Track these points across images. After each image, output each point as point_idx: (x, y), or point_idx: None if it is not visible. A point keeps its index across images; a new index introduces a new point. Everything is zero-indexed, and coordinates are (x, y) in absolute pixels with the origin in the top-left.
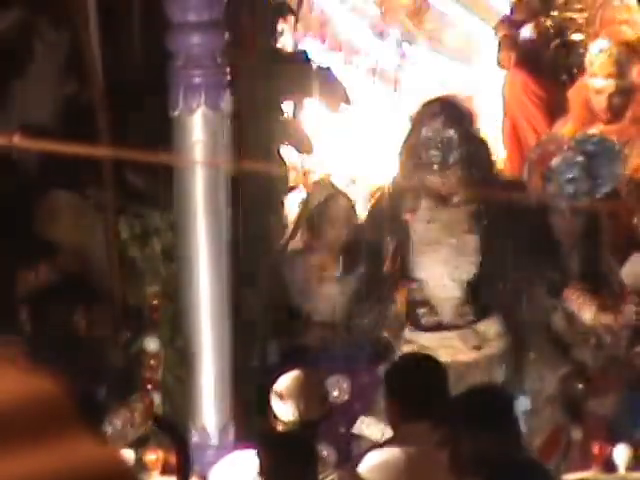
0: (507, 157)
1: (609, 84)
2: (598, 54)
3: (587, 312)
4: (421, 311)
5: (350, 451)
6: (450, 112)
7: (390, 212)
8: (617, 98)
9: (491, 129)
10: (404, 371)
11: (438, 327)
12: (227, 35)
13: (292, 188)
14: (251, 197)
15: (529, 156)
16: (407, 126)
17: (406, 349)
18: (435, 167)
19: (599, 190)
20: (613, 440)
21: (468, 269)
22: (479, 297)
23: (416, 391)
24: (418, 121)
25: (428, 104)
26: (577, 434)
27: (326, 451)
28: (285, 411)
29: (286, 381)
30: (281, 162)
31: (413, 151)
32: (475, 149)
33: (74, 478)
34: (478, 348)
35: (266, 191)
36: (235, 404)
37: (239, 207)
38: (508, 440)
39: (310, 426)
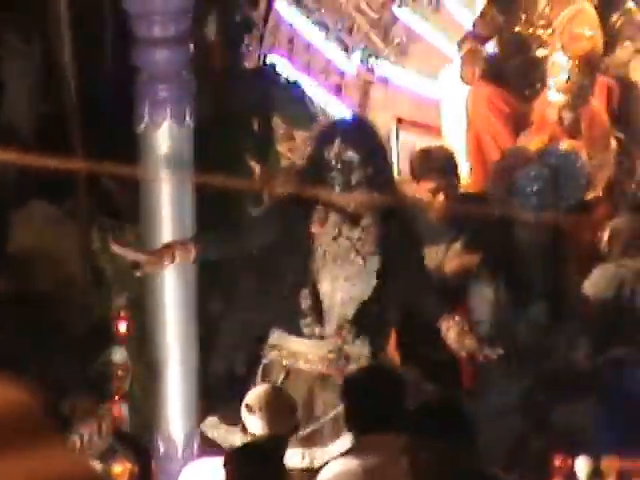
0: (471, 170)
1: (561, 98)
2: (554, 67)
3: (451, 333)
4: (306, 320)
5: None
6: (349, 134)
7: (295, 220)
8: (568, 112)
9: (456, 143)
10: (363, 382)
11: (316, 337)
12: (193, 49)
13: (260, 201)
14: (218, 209)
15: (493, 169)
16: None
17: (273, 354)
18: (337, 189)
19: (563, 203)
20: (576, 451)
21: (365, 289)
22: (367, 318)
23: (375, 402)
24: (318, 142)
25: (328, 125)
26: (539, 444)
27: None
28: (254, 424)
29: (256, 394)
30: (248, 175)
31: (316, 171)
32: (378, 170)
33: None
34: (334, 362)
35: (233, 203)
36: (202, 415)
37: (205, 219)
38: (467, 452)
39: (279, 440)
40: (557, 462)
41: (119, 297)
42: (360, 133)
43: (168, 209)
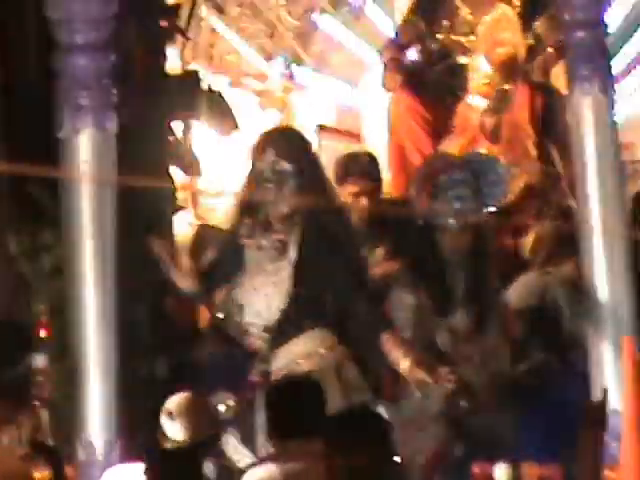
0: (392, 177)
1: (482, 103)
2: (475, 73)
3: (403, 364)
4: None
5: None
6: (282, 144)
7: (231, 237)
8: (489, 117)
9: (377, 149)
10: (282, 390)
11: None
12: (114, 56)
13: (180, 208)
14: (138, 215)
15: (416, 174)
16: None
17: None
18: (270, 198)
19: (485, 208)
20: (495, 458)
21: (284, 295)
22: (290, 325)
23: (295, 410)
24: (254, 153)
25: (262, 136)
26: (460, 451)
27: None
28: (174, 430)
29: (176, 400)
30: (169, 181)
31: (252, 182)
32: (310, 179)
33: None
34: (266, 374)
35: (153, 210)
36: (122, 420)
37: (126, 225)
38: (385, 458)
39: (199, 445)
40: (477, 469)
41: (39, 302)
42: (292, 143)
43: (89, 213)
